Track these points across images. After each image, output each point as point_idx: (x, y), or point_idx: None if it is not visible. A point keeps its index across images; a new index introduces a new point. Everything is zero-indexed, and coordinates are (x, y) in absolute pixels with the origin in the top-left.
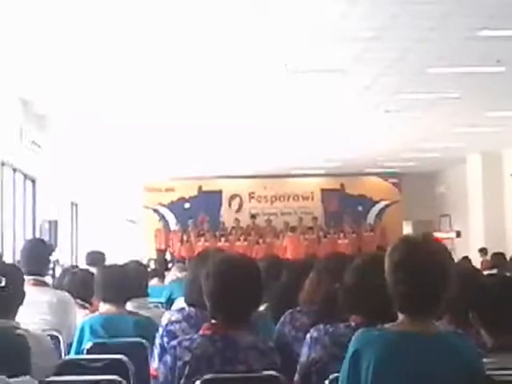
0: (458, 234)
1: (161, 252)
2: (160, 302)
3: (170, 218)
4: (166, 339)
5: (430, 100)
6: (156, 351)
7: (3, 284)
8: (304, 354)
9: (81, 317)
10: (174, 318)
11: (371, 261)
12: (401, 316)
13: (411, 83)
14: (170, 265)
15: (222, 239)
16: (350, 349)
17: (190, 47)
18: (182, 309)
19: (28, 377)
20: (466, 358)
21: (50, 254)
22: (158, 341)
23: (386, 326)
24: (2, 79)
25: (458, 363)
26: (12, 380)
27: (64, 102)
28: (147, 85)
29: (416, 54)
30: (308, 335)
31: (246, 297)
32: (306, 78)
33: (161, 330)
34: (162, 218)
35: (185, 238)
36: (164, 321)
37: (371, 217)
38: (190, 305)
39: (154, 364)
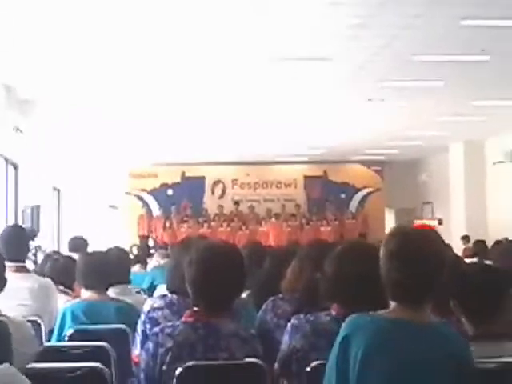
0: (440, 222)
1: (143, 238)
2: (142, 289)
3: (153, 204)
4: (148, 326)
5: (414, 88)
6: (138, 338)
7: None
8: (285, 342)
9: (62, 303)
10: (156, 305)
11: (350, 249)
12: (393, 304)
13: (396, 71)
14: (152, 251)
15: (205, 225)
16: (341, 334)
17: (177, 35)
18: (165, 296)
19: (7, 364)
20: (455, 347)
21: (30, 240)
22: (140, 327)
23: (379, 312)
24: None
25: (447, 353)
26: None
27: (47, 87)
28: (131, 70)
29: (401, 41)
30: (289, 324)
31: (228, 284)
32: (291, 66)
33: (143, 316)
34: (145, 204)
35: (167, 224)
36: (146, 307)
37: (354, 204)
38: (172, 292)
39: (136, 351)
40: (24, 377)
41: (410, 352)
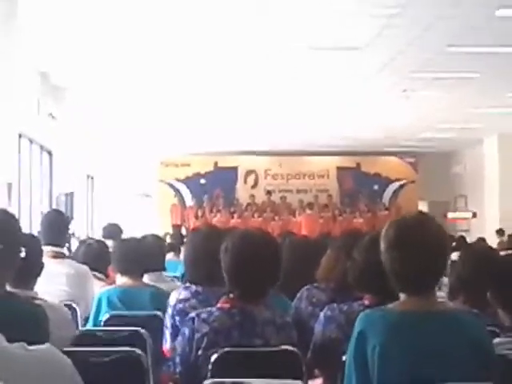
0: (474, 215)
1: (177, 227)
2: (175, 277)
3: (186, 193)
4: (177, 318)
5: (449, 80)
6: (167, 332)
7: (23, 255)
8: (317, 331)
9: (97, 289)
10: (182, 297)
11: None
12: (402, 295)
13: (431, 62)
14: (185, 239)
15: (236, 215)
16: (355, 330)
17: (211, 22)
18: (189, 286)
19: (48, 344)
20: (473, 333)
21: (68, 226)
22: (168, 321)
23: (389, 306)
24: (20, 52)
25: (465, 338)
26: (31, 347)
27: (81, 74)
28: (166, 58)
29: (436, 32)
30: (321, 314)
31: (263, 272)
32: (325, 56)
33: (170, 310)
34: (178, 193)
35: (200, 213)
36: (172, 300)
37: (387, 196)
38: (193, 283)
39: (166, 345)
40: (66, 357)
41: (428, 342)
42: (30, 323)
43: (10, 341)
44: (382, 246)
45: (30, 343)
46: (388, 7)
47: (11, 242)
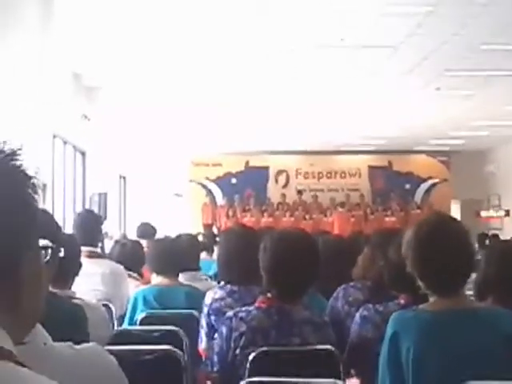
0: (507, 213)
1: (208, 226)
2: (209, 276)
3: (217, 192)
4: (213, 317)
5: (482, 78)
6: (203, 331)
7: (62, 254)
8: (354, 331)
9: (132, 288)
10: (217, 296)
11: None
12: (432, 296)
13: (464, 60)
14: (217, 239)
15: (266, 214)
16: (389, 331)
17: (238, 21)
18: (224, 286)
19: (94, 343)
20: (503, 327)
21: (101, 225)
22: (204, 320)
23: (421, 306)
24: (53, 53)
25: (501, 334)
26: (78, 346)
27: (114, 75)
28: (197, 59)
29: (470, 30)
30: (357, 314)
31: (301, 271)
32: (358, 54)
33: (205, 309)
34: (209, 192)
35: (231, 213)
36: (208, 300)
37: (419, 195)
38: (227, 282)
39: (202, 344)
40: (111, 355)
41: (464, 341)
42: (70, 323)
43: (52, 340)
44: (412, 244)
45: (72, 343)
46: (421, 5)
47: (54, 243)
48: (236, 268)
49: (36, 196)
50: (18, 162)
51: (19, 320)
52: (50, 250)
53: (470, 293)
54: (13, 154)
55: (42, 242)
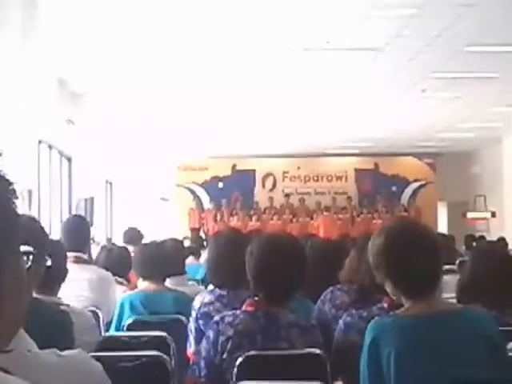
0: (493, 215)
1: (195, 231)
2: (196, 280)
3: (204, 196)
4: (201, 322)
5: (468, 79)
6: (191, 336)
7: (49, 264)
8: (338, 337)
9: (119, 294)
10: (206, 300)
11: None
12: (407, 300)
13: (449, 62)
14: (205, 243)
15: (254, 218)
16: (367, 339)
17: (225, 22)
18: (213, 290)
19: (79, 349)
20: (484, 327)
21: (89, 231)
22: (192, 325)
23: (397, 312)
24: (38, 58)
25: (476, 336)
26: (63, 353)
27: (99, 80)
28: (182, 63)
29: (456, 31)
30: (341, 321)
31: (288, 275)
32: (343, 56)
33: (194, 313)
34: (196, 196)
35: (218, 217)
36: (197, 304)
37: (405, 197)
38: (216, 286)
39: (190, 349)
40: (97, 362)
41: (445, 343)
42: (56, 329)
43: (37, 347)
44: (375, 251)
45: (57, 349)
46: (406, 7)
47: (39, 250)
48: (225, 272)
49: (16, 201)
50: None
51: (1, 325)
52: (31, 256)
53: (451, 295)
54: None
55: (24, 248)
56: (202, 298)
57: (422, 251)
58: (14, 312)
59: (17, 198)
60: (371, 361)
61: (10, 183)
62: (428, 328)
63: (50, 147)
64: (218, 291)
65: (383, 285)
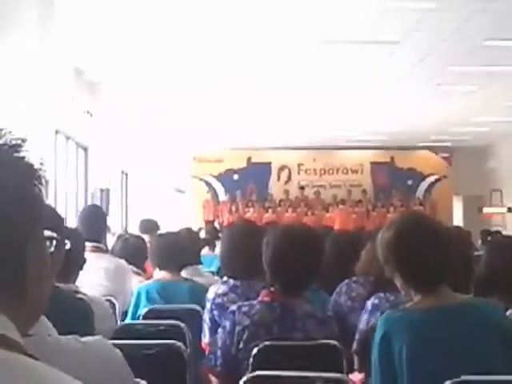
0: (510, 210)
1: (210, 223)
2: (211, 271)
3: (219, 188)
4: (215, 312)
5: (484, 73)
6: (206, 326)
7: (68, 247)
8: (363, 320)
9: (135, 283)
10: (220, 291)
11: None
12: (417, 294)
13: (466, 56)
14: (220, 234)
15: (270, 210)
16: (378, 333)
17: (240, 17)
18: (226, 281)
19: (100, 336)
20: (496, 320)
21: (106, 221)
22: (207, 315)
23: (407, 306)
24: (55, 48)
25: (490, 328)
26: (84, 339)
27: (116, 70)
28: (198, 55)
29: (473, 25)
30: (369, 302)
31: (304, 266)
32: (361, 50)
33: (208, 304)
34: (211, 188)
35: (233, 208)
36: (211, 295)
37: (421, 191)
38: (229, 277)
39: (205, 339)
40: (117, 349)
41: (454, 337)
42: (76, 317)
43: (58, 334)
44: (386, 252)
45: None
46: (424, 1)
47: (59, 235)
48: (239, 263)
49: (41, 187)
50: (21, 154)
51: (25, 311)
52: (54, 242)
53: None
54: (16, 146)
55: (47, 233)
56: (216, 288)
57: (431, 245)
58: (38, 297)
59: (41, 183)
60: (382, 355)
61: (35, 169)
62: (438, 322)
63: (67, 137)
64: (231, 282)
65: (392, 278)
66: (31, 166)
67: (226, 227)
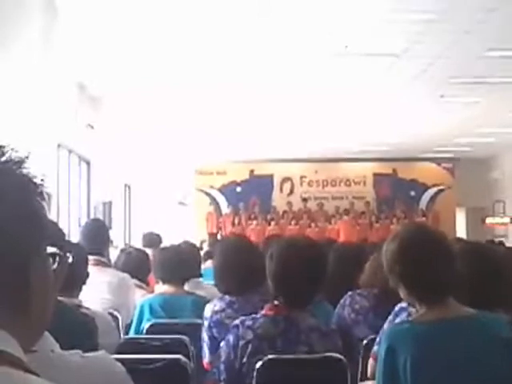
0: None
1: (213, 235)
2: (215, 284)
3: (222, 201)
4: (214, 330)
5: (487, 84)
6: (205, 345)
7: (71, 260)
8: (389, 321)
9: (138, 297)
10: (217, 308)
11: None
12: (422, 306)
13: (468, 67)
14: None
15: (273, 223)
16: (383, 346)
17: (244, 29)
18: (223, 297)
19: (103, 351)
20: (500, 332)
21: (109, 234)
22: (205, 334)
23: (413, 317)
24: (58, 63)
25: (494, 339)
26: (87, 354)
27: (118, 84)
28: (200, 67)
29: (475, 36)
30: (396, 307)
31: (308, 279)
32: (363, 62)
33: (206, 322)
34: (214, 201)
35: (236, 221)
36: (208, 313)
37: (424, 202)
38: (225, 293)
39: (206, 359)
40: (120, 364)
41: (455, 348)
42: (79, 332)
43: (61, 349)
44: (391, 262)
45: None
46: (425, 12)
47: (60, 250)
48: (232, 278)
49: (44, 203)
50: (25, 170)
51: (28, 327)
52: (57, 258)
53: None
54: (20, 162)
55: (50, 250)
56: (213, 306)
57: (436, 256)
58: (41, 313)
59: (44, 199)
60: (387, 369)
61: (38, 186)
62: (444, 334)
63: (70, 151)
64: (227, 298)
65: (397, 289)
66: (34, 182)
67: (217, 243)
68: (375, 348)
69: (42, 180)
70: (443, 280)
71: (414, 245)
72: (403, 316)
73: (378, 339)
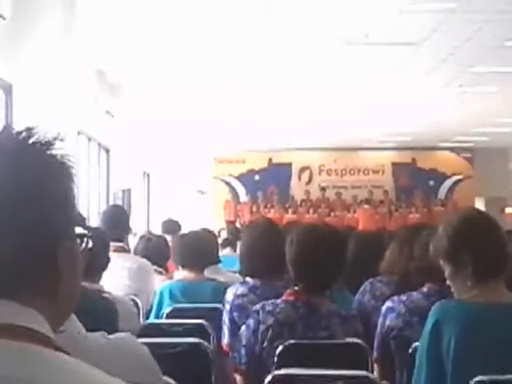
0: None
1: (230, 223)
2: (233, 271)
3: (240, 189)
4: (236, 314)
5: (506, 74)
6: (225, 328)
7: (91, 245)
8: (380, 325)
9: (157, 283)
10: (239, 292)
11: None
12: (474, 285)
13: (487, 57)
14: (241, 234)
15: (291, 211)
16: (430, 320)
17: (263, 18)
18: (245, 281)
19: (128, 333)
20: None
21: (128, 221)
22: (226, 317)
23: (463, 297)
24: (77, 50)
25: None
26: (112, 336)
27: (138, 72)
28: (220, 56)
29: (494, 26)
30: (383, 307)
31: (327, 265)
32: (382, 51)
33: (228, 306)
34: (232, 189)
35: (254, 209)
36: (230, 296)
37: (443, 192)
38: (246, 275)
39: (225, 340)
40: (144, 346)
41: (501, 333)
42: (101, 316)
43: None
44: (446, 240)
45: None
46: (445, 1)
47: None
48: (259, 261)
49: (73, 184)
50: (53, 151)
51: (57, 308)
52: (85, 239)
53: None
54: (48, 144)
55: (78, 230)
56: (235, 289)
57: (496, 239)
58: (70, 294)
59: (72, 181)
60: (431, 343)
61: (68, 167)
62: (493, 317)
63: (89, 139)
64: (250, 283)
65: (440, 268)
66: (63, 163)
67: (247, 225)
68: (375, 354)
69: (70, 161)
70: (501, 262)
71: (481, 224)
72: (392, 316)
73: (375, 341)
